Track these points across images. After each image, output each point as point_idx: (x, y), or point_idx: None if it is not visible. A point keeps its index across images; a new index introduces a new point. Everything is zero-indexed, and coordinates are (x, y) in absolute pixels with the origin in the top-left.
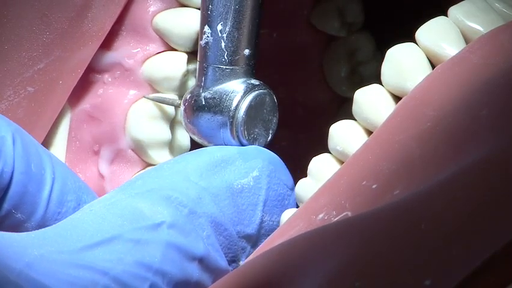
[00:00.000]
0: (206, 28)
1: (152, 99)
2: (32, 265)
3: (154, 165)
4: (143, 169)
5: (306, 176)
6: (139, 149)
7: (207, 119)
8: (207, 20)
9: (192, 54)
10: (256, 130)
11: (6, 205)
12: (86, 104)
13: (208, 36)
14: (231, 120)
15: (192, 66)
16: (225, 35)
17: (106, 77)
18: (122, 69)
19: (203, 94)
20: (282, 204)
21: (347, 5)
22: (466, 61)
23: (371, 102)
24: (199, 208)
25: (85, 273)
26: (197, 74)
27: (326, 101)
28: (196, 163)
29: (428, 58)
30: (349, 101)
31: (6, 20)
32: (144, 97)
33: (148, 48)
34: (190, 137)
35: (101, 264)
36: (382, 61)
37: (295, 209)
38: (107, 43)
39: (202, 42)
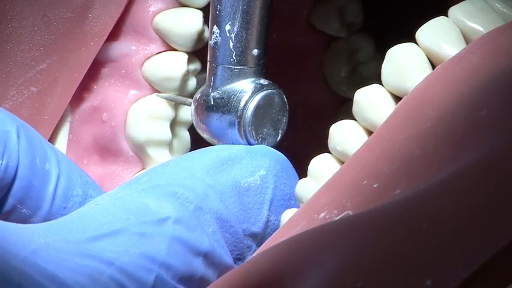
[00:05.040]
0: (215, 28)
1: (165, 98)
2: (38, 252)
3: (154, 165)
4: (143, 169)
5: (306, 176)
6: (139, 149)
7: (215, 119)
8: (215, 20)
9: (192, 54)
10: (265, 130)
11: (11, 200)
12: (87, 103)
13: (217, 36)
14: (239, 120)
15: (192, 66)
16: (233, 35)
17: (106, 77)
18: (122, 69)
19: (212, 94)
20: (289, 204)
21: (346, 5)
22: (466, 61)
23: (371, 102)
24: (205, 204)
25: (90, 262)
26: (207, 74)
27: (326, 101)
28: (202, 161)
29: (428, 58)
30: (349, 101)
31: (7, 20)
32: (156, 95)
33: (148, 48)
34: (191, 137)
35: (107, 254)
36: (382, 61)
37: (296, 209)
38: (108, 43)
39: (211, 42)
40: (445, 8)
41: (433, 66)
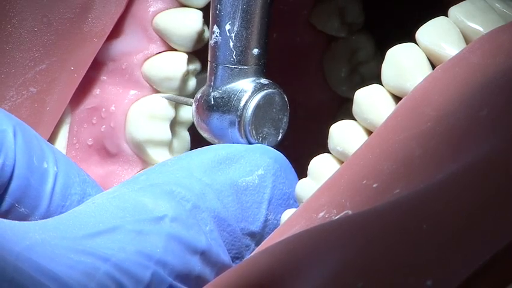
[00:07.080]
0: (215, 28)
1: (167, 98)
2: (33, 248)
3: (154, 165)
4: (143, 169)
5: (306, 176)
6: (139, 149)
7: (216, 118)
8: (215, 19)
9: (192, 54)
10: (265, 129)
11: (9, 199)
12: (86, 104)
13: (217, 36)
14: (239, 119)
15: (191, 67)
16: (233, 35)
17: (106, 77)
18: (122, 70)
19: (212, 93)
20: (287, 204)
21: (347, 5)
22: (466, 61)
23: (371, 102)
24: (202, 203)
25: (86, 258)
26: (208, 74)
27: (326, 101)
28: (200, 160)
29: (428, 58)
30: (349, 101)
31: (7, 21)
32: (158, 95)
33: (148, 48)
34: (190, 137)
35: (103, 251)
36: (382, 61)
37: (295, 209)
38: (108, 43)
39: (211, 42)
40: (445, 8)
41: (433, 66)
